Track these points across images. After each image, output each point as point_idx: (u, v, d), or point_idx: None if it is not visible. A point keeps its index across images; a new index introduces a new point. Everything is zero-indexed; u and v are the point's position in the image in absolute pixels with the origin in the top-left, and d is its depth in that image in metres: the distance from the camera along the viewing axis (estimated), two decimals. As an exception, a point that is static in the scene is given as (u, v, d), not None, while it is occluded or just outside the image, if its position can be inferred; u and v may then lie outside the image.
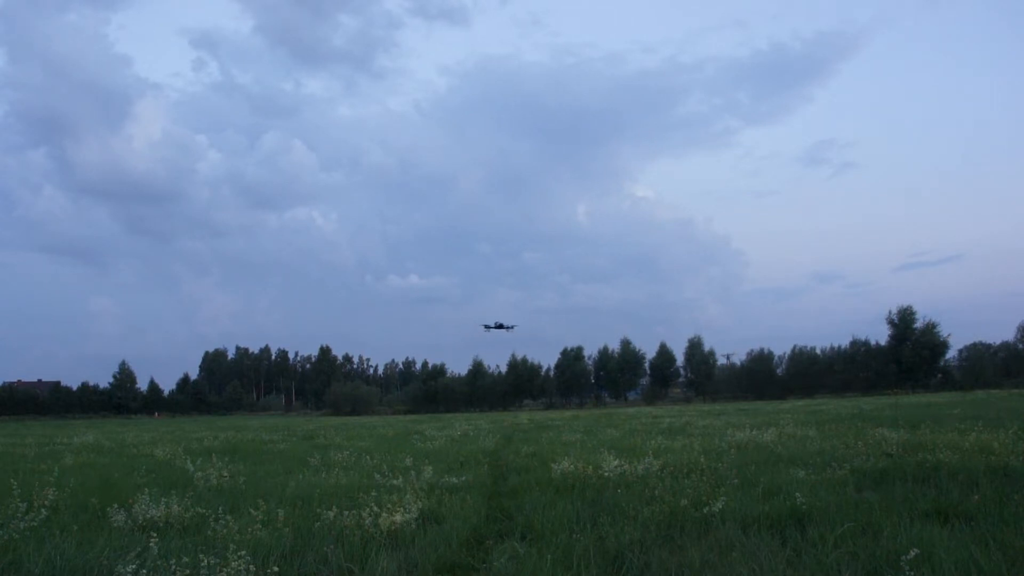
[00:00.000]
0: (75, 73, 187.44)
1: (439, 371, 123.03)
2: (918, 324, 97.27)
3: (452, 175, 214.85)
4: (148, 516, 8.45)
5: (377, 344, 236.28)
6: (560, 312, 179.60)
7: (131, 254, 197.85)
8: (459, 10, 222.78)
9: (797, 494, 8.27)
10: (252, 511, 8.21)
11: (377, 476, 12.05)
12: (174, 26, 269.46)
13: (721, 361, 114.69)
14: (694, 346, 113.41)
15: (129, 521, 8.39)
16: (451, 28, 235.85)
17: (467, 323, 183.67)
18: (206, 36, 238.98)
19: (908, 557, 5.37)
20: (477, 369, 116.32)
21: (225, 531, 7.58)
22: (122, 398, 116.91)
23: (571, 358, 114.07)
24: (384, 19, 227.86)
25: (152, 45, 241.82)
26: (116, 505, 8.87)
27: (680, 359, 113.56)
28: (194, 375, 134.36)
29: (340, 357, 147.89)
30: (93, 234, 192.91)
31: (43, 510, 8.58)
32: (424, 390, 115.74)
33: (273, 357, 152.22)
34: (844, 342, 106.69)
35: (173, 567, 5.88)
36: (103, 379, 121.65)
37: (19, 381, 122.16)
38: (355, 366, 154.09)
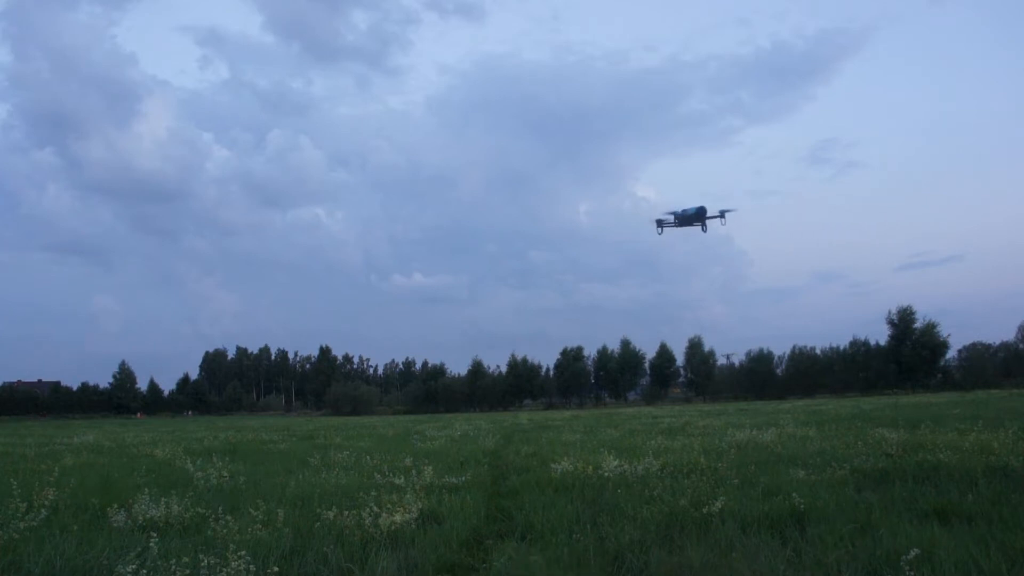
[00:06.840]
0: (82, 70, 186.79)
1: (439, 371, 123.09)
2: (918, 324, 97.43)
3: (458, 174, 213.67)
4: (148, 516, 8.45)
5: (378, 344, 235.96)
6: (564, 311, 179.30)
7: (137, 253, 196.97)
8: (477, 6, 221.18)
9: (796, 494, 8.26)
10: (252, 511, 8.21)
11: (377, 476, 12.05)
12: (181, 23, 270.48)
13: (721, 361, 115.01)
14: (694, 346, 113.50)
15: (129, 521, 8.38)
16: (466, 24, 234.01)
17: (469, 322, 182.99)
18: (214, 33, 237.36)
19: (908, 557, 5.38)
20: (477, 369, 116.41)
21: (225, 531, 7.58)
22: (122, 398, 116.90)
23: (571, 358, 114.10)
24: (399, 14, 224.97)
25: (159, 42, 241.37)
26: (116, 505, 8.87)
27: (680, 359, 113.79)
28: (194, 375, 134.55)
29: (340, 357, 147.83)
30: (99, 232, 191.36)
31: (43, 510, 8.58)
32: (424, 390, 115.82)
33: (273, 357, 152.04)
34: (844, 342, 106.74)
35: (173, 567, 5.88)
36: (103, 379, 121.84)
37: (19, 381, 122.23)
38: (355, 366, 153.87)
